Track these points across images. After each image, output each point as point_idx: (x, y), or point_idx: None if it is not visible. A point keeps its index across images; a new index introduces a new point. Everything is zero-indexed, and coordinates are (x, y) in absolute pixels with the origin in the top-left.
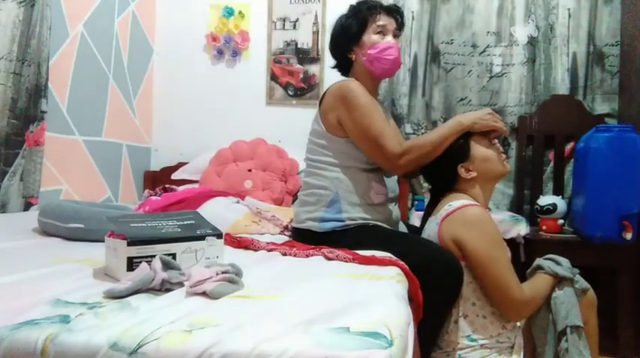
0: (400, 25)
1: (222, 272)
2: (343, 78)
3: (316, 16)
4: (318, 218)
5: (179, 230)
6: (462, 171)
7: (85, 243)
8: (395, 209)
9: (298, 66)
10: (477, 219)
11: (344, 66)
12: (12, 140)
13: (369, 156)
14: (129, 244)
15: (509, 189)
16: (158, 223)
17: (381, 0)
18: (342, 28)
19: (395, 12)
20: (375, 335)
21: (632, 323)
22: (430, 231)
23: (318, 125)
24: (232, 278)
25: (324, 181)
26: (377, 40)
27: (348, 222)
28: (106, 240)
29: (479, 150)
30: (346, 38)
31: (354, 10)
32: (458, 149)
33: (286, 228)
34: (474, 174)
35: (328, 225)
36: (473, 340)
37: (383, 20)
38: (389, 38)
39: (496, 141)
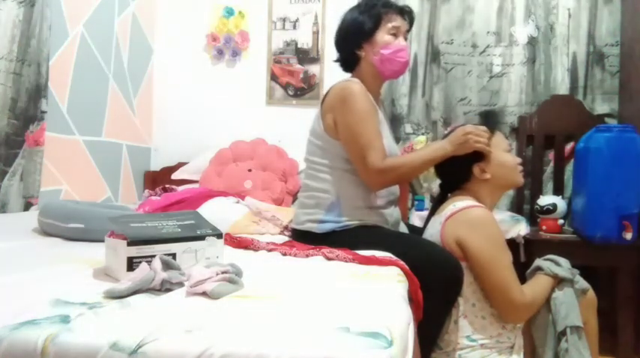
0: (410, 27)
1: (222, 272)
2: (345, 75)
3: (316, 16)
4: (317, 220)
5: (179, 230)
6: (476, 170)
7: (85, 243)
8: (395, 210)
9: (298, 66)
10: (481, 220)
11: (349, 61)
12: (12, 140)
13: (352, 162)
14: (129, 244)
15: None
16: (158, 223)
17: None
18: (354, 22)
19: (407, 14)
20: (375, 335)
21: (632, 323)
22: (432, 231)
23: (318, 125)
24: (232, 278)
25: (324, 184)
26: (390, 41)
27: (347, 223)
28: (106, 240)
29: (498, 153)
30: (358, 33)
31: (367, 5)
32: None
33: (286, 228)
34: (487, 175)
35: (327, 226)
36: (473, 340)
37: (397, 21)
38: (401, 40)
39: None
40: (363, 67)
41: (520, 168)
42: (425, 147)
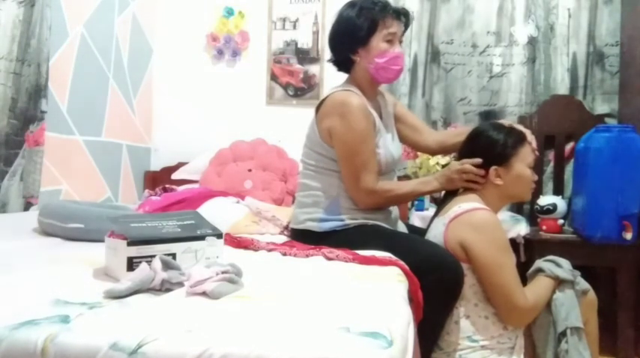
0: (405, 30)
1: (222, 272)
2: (345, 78)
3: (316, 16)
4: (318, 218)
5: (179, 230)
6: (492, 173)
7: (85, 243)
8: (394, 208)
9: (298, 66)
10: (486, 223)
11: (343, 64)
12: (12, 140)
13: (343, 176)
14: (129, 244)
15: None
16: (158, 223)
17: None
18: (349, 25)
19: (404, 16)
20: (375, 335)
21: (632, 323)
22: (436, 232)
23: (313, 132)
24: (232, 278)
25: (322, 183)
26: (385, 48)
27: (348, 222)
28: (106, 240)
29: (520, 164)
30: (353, 38)
31: (364, 7)
32: (501, 150)
33: (286, 228)
34: (500, 181)
35: (328, 225)
36: (474, 341)
37: (393, 27)
38: (396, 47)
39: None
40: (358, 72)
41: (533, 185)
42: (418, 179)
